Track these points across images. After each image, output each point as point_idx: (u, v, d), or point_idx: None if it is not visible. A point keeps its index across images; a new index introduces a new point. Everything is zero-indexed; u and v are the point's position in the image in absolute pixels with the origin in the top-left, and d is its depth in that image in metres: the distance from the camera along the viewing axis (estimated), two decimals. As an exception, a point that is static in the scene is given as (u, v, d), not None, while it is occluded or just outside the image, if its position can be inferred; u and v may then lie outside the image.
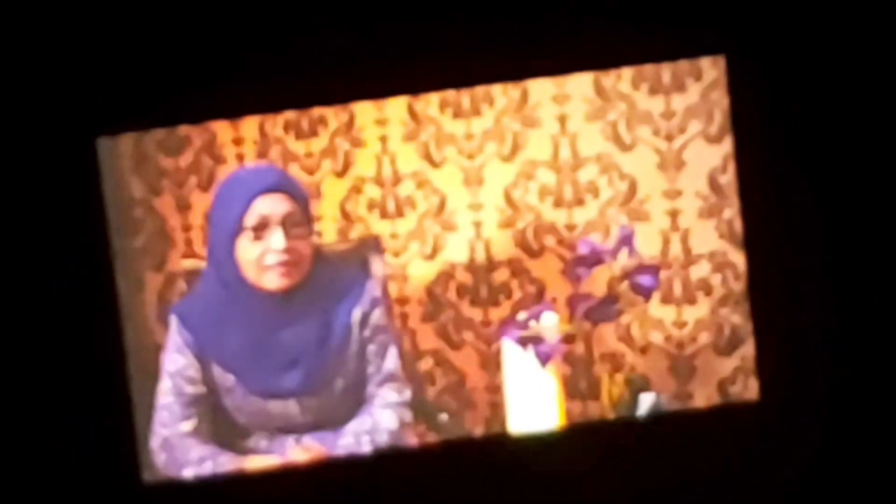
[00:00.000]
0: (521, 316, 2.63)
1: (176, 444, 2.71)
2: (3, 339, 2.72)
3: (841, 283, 2.78)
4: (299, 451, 2.73)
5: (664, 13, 2.69)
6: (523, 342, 2.57)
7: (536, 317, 2.59)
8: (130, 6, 2.65)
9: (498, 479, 2.78)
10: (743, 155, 2.74)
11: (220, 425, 2.76)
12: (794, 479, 2.78)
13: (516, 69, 2.71)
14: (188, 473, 2.76)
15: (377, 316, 2.73)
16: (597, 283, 2.74)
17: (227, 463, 2.73)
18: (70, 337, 2.71)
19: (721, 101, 2.85)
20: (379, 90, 2.74)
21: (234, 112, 2.71)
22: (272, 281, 2.65)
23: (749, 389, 2.83)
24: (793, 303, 2.77)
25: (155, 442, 2.74)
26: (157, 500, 2.75)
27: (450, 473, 2.77)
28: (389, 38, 2.68)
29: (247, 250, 2.64)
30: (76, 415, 2.72)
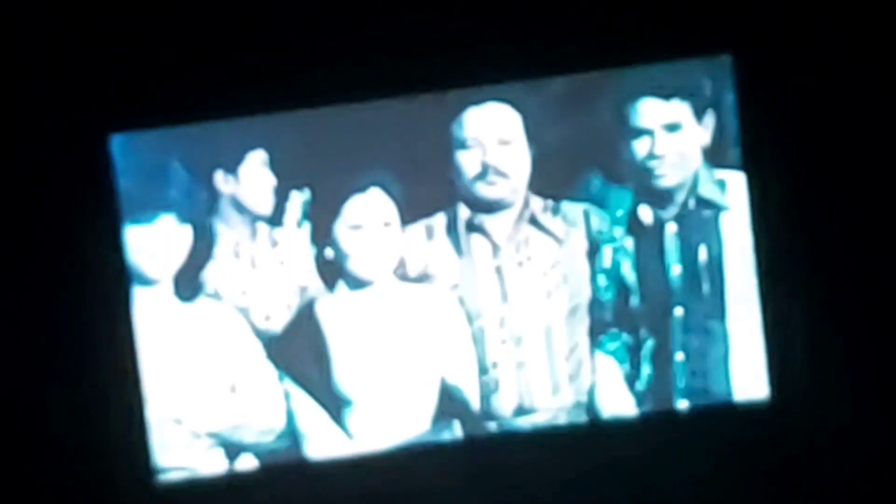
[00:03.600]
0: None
1: None
2: (12, 335, 2.73)
3: (849, 282, 2.80)
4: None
5: (670, 13, 2.69)
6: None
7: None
8: (144, 7, 2.65)
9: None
10: (751, 154, 2.75)
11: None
12: (803, 476, 2.82)
13: (522, 68, 2.71)
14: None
15: None
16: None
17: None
18: (82, 333, 2.71)
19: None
20: (385, 90, 2.71)
21: (244, 111, 2.69)
22: None
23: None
24: (802, 302, 2.79)
25: None
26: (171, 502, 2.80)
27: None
28: (397, 39, 2.69)
29: None
30: (90, 417, 2.73)
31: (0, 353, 2.74)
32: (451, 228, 2.77)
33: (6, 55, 2.64)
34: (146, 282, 2.74)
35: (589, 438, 2.81)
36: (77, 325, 2.71)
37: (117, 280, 2.71)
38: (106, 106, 2.66)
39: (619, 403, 2.83)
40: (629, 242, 2.79)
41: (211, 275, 2.75)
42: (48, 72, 2.65)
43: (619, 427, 2.82)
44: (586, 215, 2.79)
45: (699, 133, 2.76)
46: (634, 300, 2.81)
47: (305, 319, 2.78)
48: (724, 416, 2.82)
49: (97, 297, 2.72)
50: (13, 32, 2.63)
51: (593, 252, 2.80)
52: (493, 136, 2.73)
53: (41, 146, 2.67)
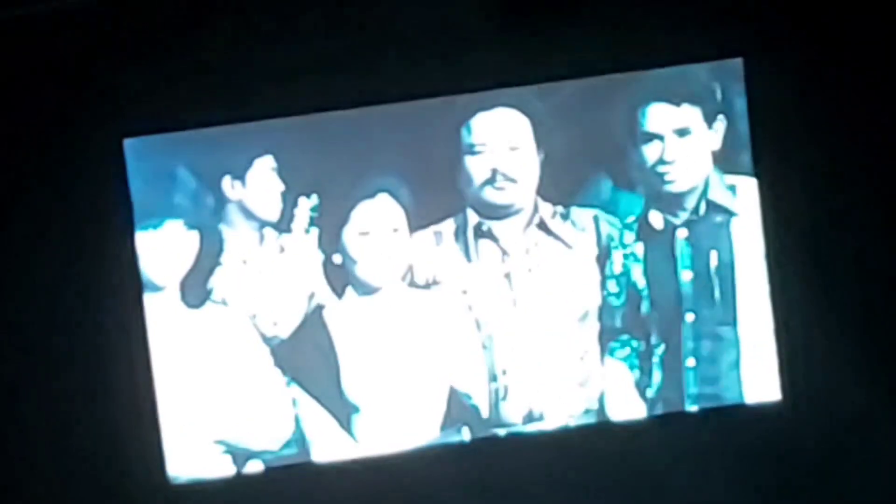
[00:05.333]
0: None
1: None
2: (24, 338, 2.74)
3: (860, 286, 2.78)
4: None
5: (681, 18, 2.67)
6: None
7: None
8: (157, 16, 2.64)
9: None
10: (762, 159, 2.73)
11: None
12: (815, 477, 2.80)
13: (531, 72, 2.70)
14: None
15: None
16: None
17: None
18: (95, 335, 2.71)
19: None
20: (393, 95, 2.70)
21: (253, 115, 2.69)
22: None
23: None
24: (813, 304, 2.77)
25: None
26: (184, 500, 2.79)
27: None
28: (405, 43, 2.68)
29: None
30: (104, 418, 2.73)
31: (17, 362, 2.76)
32: (460, 234, 2.76)
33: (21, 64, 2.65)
34: (152, 288, 2.73)
35: (601, 439, 2.80)
36: (92, 333, 2.71)
37: (131, 287, 2.71)
38: (119, 111, 2.66)
39: (629, 410, 2.81)
40: (639, 248, 2.78)
41: (218, 281, 2.74)
42: (61, 79, 2.66)
43: (631, 428, 2.80)
44: (596, 221, 2.77)
45: (710, 138, 2.74)
46: (645, 306, 2.79)
47: (313, 325, 2.76)
48: (736, 418, 2.81)
49: (110, 296, 2.72)
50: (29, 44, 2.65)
51: (603, 258, 2.78)
52: (502, 141, 2.72)
53: (54, 152, 2.68)
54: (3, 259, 2.73)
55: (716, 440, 2.81)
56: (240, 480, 2.79)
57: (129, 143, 2.70)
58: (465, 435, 2.80)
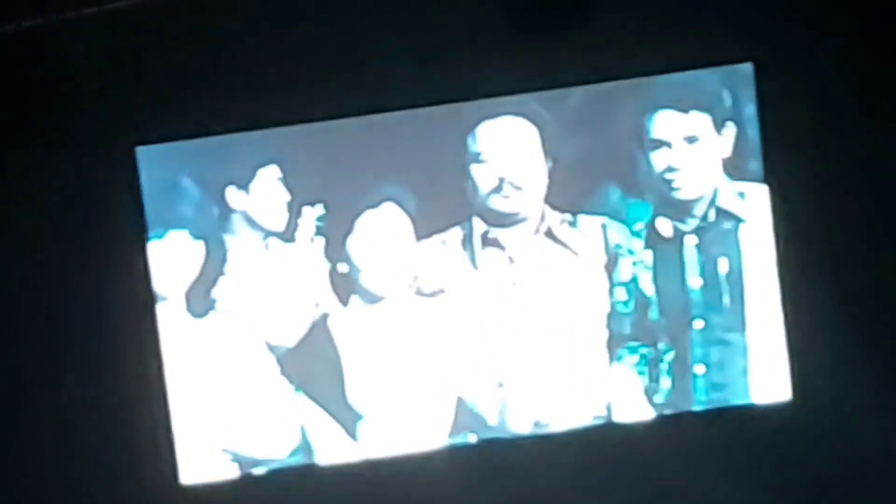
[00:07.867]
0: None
1: None
2: (37, 342, 2.75)
3: (870, 288, 2.76)
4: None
5: (690, 22, 2.64)
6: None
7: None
8: (168, 26, 2.63)
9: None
10: (772, 166, 2.70)
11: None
12: (824, 476, 2.79)
13: (541, 79, 2.67)
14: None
15: None
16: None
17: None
18: (108, 341, 2.72)
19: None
20: (399, 102, 2.68)
21: (262, 123, 2.67)
22: None
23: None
24: (823, 307, 2.75)
25: None
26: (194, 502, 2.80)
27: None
28: (411, 50, 2.65)
29: None
30: (117, 420, 2.74)
31: (30, 370, 2.77)
32: (466, 242, 2.74)
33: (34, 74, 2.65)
34: (158, 297, 2.72)
35: (611, 440, 2.80)
36: (105, 341, 2.73)
37: (143, 296, 2.71)
38: (131, 120, 2.65)
39: (637, 417, 2.80)
40: (648, 255, 2.76)
41: (223, 291, 2.73)
42: (72, 88, 2.66)
43: (640, 428, 2.80)
44: (604, 228, 2.75)
45: (719, 145, 2.71)
46: (653, 313, 2.77)
47: (319, 334, 2.76)
48: (746, 418, 2.80)
49: (122, 303, 2.72)
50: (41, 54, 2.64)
51: (611, 265, 2.76)
52: (508, 149, 2.70)
53: (65, 161, 2.68)
54: (13, 263, 2.75)
55: (726, 440, 2.80)
56: (249, 482, 2.79)
57: (141, 152, 2.70)
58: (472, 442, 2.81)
